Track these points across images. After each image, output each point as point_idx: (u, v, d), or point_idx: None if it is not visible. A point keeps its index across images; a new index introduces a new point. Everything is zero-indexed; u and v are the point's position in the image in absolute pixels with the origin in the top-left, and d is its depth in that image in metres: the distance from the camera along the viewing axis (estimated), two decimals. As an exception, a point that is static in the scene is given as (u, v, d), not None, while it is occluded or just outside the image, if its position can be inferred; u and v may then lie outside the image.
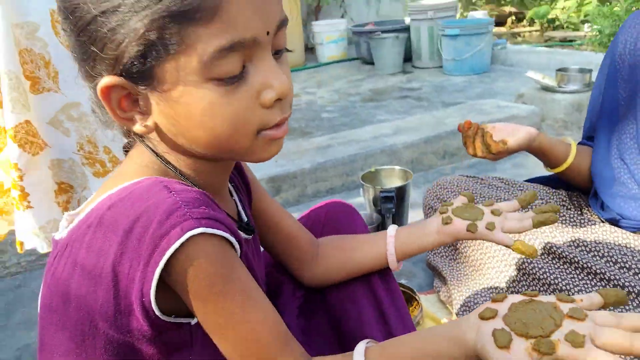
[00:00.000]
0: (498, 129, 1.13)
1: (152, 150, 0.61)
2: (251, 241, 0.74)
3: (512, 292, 1.16)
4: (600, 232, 1.12)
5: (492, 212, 0.79)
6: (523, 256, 1.08)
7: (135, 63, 0.52)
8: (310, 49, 5.24)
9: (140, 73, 0.52)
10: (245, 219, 0.75)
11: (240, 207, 0.75)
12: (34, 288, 1.67)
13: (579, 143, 1.24)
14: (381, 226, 1.58)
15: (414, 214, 1.80)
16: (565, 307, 0.50)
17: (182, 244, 0.50)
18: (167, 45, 0.51)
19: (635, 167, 1.09)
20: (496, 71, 3.85)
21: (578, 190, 1.26)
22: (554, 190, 1.28)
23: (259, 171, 1.95)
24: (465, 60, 3.72)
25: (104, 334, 0.55)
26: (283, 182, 2.01)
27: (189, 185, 0.57)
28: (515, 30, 5.32)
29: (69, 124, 1.07)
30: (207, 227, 0.51)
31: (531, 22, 5.44)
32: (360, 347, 0.63)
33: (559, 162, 1.17)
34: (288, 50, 0.61)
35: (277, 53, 0.58)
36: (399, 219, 1.63)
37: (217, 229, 0.53)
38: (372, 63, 4.32)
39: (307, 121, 2.96)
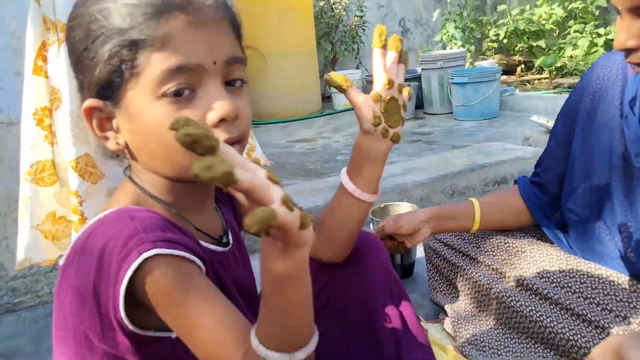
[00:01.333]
0: (391, 226, 1.26)
1: (129, 177, 0.71)
2: (230, 252, 0.79)
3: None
4: (584, 267, 1.15)
5: None
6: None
7: (106, 86, 0.64)
8: (326, 98, 5.45)
9: (110, 94, 0.64)
10: (225, 232, 0.80)
11: (223, 221, 0.82)
12: (64, 315, 1.77)
13: (520, 180, 1.32)
14: (391, 259, 1.67)
15: (422, 248, 1.88)
16: None
17: (140, 264, 0.56)
18: (127, 68, 0.62)
19: (616, 230, 1.10)
20: (505, 116, 3.97)
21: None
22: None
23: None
24: (474, 106, 3.86)
25: (99, 347, 0.62)
26: (298, 218, 2.12)
27: (154, 212, 0.63)
28: (524, 78, 5.48)
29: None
30: (161, 248, 0.57)
31: (540, 71, 5.60)
32: None
33: (469, 225, 1.29)
34: (243, 82, 0.69)
35: (231, 84, 0.67)
36: (407, 252, 1.72)
37: (172, 249, 0.58)
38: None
39: (322, 163, 3.10)
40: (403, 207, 1.84)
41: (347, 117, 4.66)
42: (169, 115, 0.62)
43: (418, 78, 4.47)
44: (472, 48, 5.72)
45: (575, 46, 5.02)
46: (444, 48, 5.66)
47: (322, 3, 5.42)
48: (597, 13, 5.27)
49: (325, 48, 5.50)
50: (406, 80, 4.37)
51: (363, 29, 5.62)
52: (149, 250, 0.57)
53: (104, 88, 0.65)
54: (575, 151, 1.17)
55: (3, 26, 1.17)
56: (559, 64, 5.23)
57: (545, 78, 5.29)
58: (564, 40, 5.30)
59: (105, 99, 0.65)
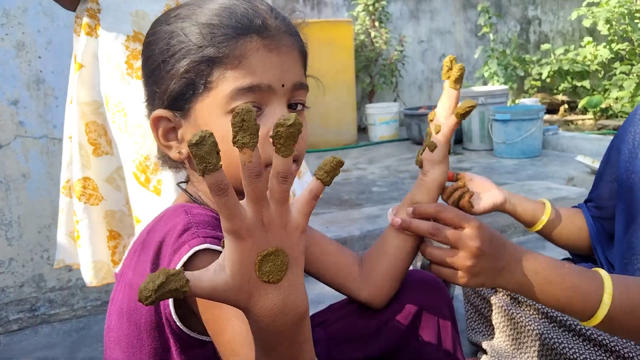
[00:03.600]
0: (475, 182, 1.17)
1: (184, 190, 0.75)
2: None
3: None
4: None
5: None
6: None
7: (178, 97, 0.67)
8: (362, 129, 5.46)
9: (180, 106, 0.68)
10: None
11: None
12: (97, 330, 1.78)
13: (580, 205, 1.24)
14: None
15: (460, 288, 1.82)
16: None
17: (190, 258, 0.59)
18: (202, 83, 0.66)
19: None
20: (548, 156, 3.89)
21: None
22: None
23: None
24: (515, 144, 3.79)
25: (148, 346, 0.65)
26: (333, 246, 2.10)
27: (208, 209, 0.68)
28: (568, 118, 5.37)
29: (120, 181, 1.28)
30: (210, 244, 0.60)
31: (584, 111, 5.49)
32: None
33: (533, 222, 1.18)
34: (304, 107, 0.74)
35: (292, 106, 0.71)
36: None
37: (220, 245, 0.60)
38: (422, 144, 4.43)
39: (357, 194, 3.08)
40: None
41: (383, 149, 4.65)
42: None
43: (458, 113, 4.42)
44: (514, 86, 5.67)
45: (621, 88, 4.91)
46: (485, 84, 5.63)
47: (362, 37, 5.49)
48: (644, 55, 5.16)
49: (364, 80, 5.54)
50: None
51: (403, 63, 5.66)
52: (200, 244, 0.59)
53: (175, 99, 0.68)
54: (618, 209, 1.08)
55: (70, 50, 1.26)
56: (603, 106, 5.12)
57: (589, 119, 5.18)
58: (609, 82, 5.20)
59: (175, 110, 0.69)
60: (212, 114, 0.66)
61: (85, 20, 1.17)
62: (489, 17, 5.68)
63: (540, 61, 5.81)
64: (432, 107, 4.96)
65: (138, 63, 1.16)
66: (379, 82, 5.56)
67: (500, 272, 0.82)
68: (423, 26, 6.04)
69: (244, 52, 0.65)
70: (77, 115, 1.21)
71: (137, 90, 1.13)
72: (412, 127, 4.66)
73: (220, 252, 0.59)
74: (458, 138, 4.37)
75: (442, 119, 0.92)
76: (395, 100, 5.70)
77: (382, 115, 4.97)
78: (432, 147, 0.93)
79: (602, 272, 0.81)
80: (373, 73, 5.59)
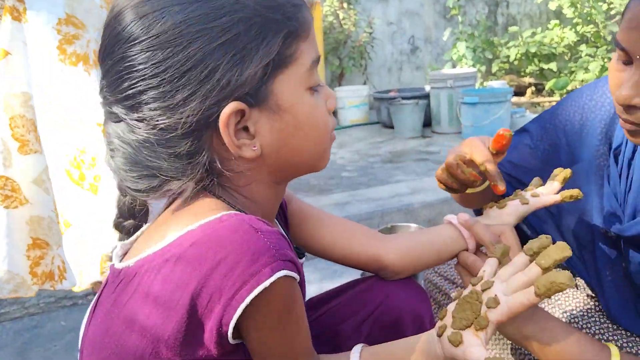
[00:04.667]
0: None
1: (218, 197, 0.64)
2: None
3: None
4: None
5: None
6: None
7: (257, 84, 0.59)
8: (332, 113, 5.38)
9: (259, 94, 0.59)
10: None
11: (283, 232, 0.80)
12: (50, 329, 1.69)
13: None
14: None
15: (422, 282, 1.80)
16: (478, 287, 0.66)
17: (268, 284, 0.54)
18: (284, 60, 0.60)
19: None
20: (515, 138, 3.89)
21: None
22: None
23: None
24: (484, 126, 3.79)
25: None
26: (300, 235, 2.05)
27: (271, 225, 0.60)
28: (535, 100, 5.42)
29: (50, 184, 1.16)
30: (289, 270, 0.56)
31: (550, 93, 5.54)
32: (357, 348, 0.70)
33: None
34: None
35: None
36: (414, 275, 1.63)
37: (295, 271, 0.58)
38: (392, 127, 4.43)
39: (327, 179, 3.03)
40: (411, 229, 1.76)
41: (353, 133, 4.60)
42: (316, 106, 0.64)
43: (426, 96, 4.41)
44: (483, 68, 5.68)
45: (586, 70, 4.96)
46: (454, 67, 5.62)
47: (331, 18, 5.39)
48: (608, 38, 5.22)
49: (333, 63, 5.46)
50: (414, 97, 4.32)
51: (372, 46, 5.59)
52: (282, 270, 0.55)
53: (253, 87, 0.59)
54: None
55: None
56: (570, 88, 5.18)
57: (555, 101, 5.23)
58: (575, 64, 5.25)
59: (248, 101, 0.60)
60: (296, 92, 0.62)
61: (11, 2, 1.07)
62: (458, -1, 5.65)
63: (508, 44, 5.82)
64: (402, 90, 4.93)
65: (71, 48, 1.06)
66: (348, 64, 5.49)
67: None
68: (392, 7, 5.97)
69: (307, 21, 0.63)
70: (1, 107, 1.10)
71: (71, 77, 1.03)
72: (382, 111, 4.62)
73: (295, 278, 0.58)
74: (427, 121, 4.35)
75: (543, 191, 0.91)
76: (364, 83, 5.65)
77: (352, 99, 4.91)
78: (523, 202, 0.90)
79: (613, 349, 0.80)
80: (342, 55, 5.51)
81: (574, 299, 1.14)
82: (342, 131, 4.72)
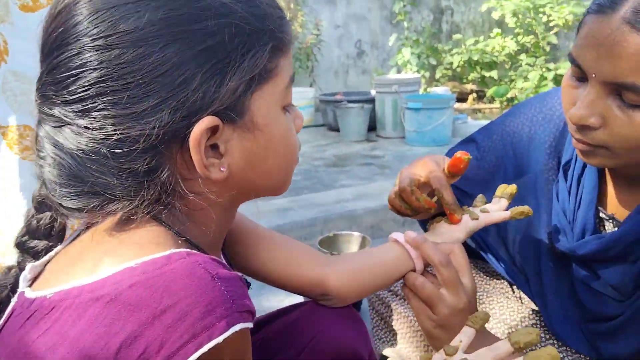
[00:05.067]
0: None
1: (159, 220, 0.54)
2: None
3: None
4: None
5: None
6: None
7: (236, 99, 0.52)
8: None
9: (235, 109, 0.53)
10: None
11: (224, 262, 0.72)
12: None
13: None
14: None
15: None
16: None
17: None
18: (265, 75, 0.54)
19: None
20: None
21: None
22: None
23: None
24: (426, 132, 3.82)
25: None
26: (238, 243, 1.94)
27: (230, 270, 0.52)
28: (476, 106, 5.54)
29: None
30: (246, 322, 0.49)
31: (491, 100, 5.69)
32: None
33: None
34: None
35: None
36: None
37: (251, 321, 0.50)
38: (337, 130, 4.40)
39: (269, 183, 2.93)
40: (354, 238, 1.70)
41: (299, 135, 4.50)
42: (289, 127, 0.60)
43: (372, 100, 4.40)
44: (427, 74, 5.75)
45: (525, 79, 5.12)
46: (399, 72, 5.66)
47: (278, 18, 5.31)
48: (547, 49, 5.42)
49: (280, 64, 5.36)
50: (359, 101, 4.30)
51: (319, 48, 5.54)
52: (238, 323, 0.48)
53: (229, 100, 0.52)
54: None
55: None
56: (510, 95, 5.33)
57: (496, 108, 5.38)
58: (515, 73, 5.41)
59: (224, 116, 0.53)
60: (272, 110, 0.57)
61: None
62: (404, 5, 5.70)
63: (452, 51, 5.94)
64: (348, 94, 4.91)
65: None
66: (294, 66, 5.40)
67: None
68: (339, 11, 5.95)
69: (290, 36, 0.59)
70: None
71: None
72: (328, 113, 4.57)
73: (250, 328, 0.51)
74: (371, 125, 4.34)
75: (492, 207, 0.88)
76: (311, 86, 5.59)
77: (298, 101, 4.84)
78: (473, 218, 0.86)
79: None
80: (288, 56, 5.43)
81: (518, 313, 1.10)
82: (287, 133, 4.63)
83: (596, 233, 0.88)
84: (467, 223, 0.84)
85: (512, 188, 0.89)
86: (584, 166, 0.89)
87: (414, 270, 0.79)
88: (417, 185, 0.86)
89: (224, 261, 0.71)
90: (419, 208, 0.84)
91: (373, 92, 4.48)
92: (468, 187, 1.10)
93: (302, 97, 4.86)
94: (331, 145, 4.04)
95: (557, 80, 4.83)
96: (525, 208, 0.85)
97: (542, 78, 4.93)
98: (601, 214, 0.88)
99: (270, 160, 0.58)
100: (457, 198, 1.10)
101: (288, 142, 0.60)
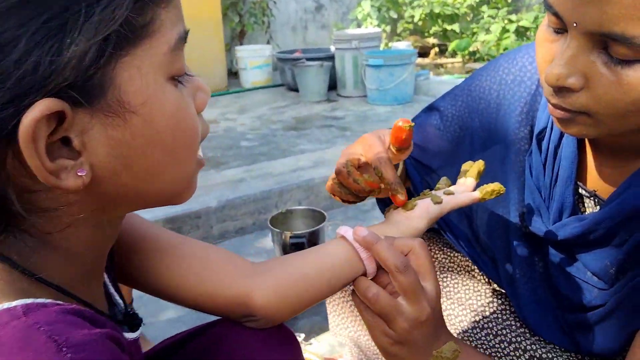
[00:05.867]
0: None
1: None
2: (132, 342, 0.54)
3: None
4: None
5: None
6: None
7: (88, 70, 0.36)
8: (233, 74, 5.07)
9: (89, 86, 0.37)
10: (121, 303, 0.55)
11: (111, 287, 0.56)
12: None
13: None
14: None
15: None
16: None
17: None
18: (133, 33, 0.38)
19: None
20: (419, 102, 3.84)
21: None
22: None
23: (151, 212, 1.71)
24: (388, 90, 3.68)
25: None
26: (184, 223, 1.78)
27: (90, 319, 0.39)
28: (438, 61, 5.43)
29: None
30: None
31: (453, 54, 5.58)
32: None
33: None
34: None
35: None
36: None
37: None
38: (297, 90, 4.21)
39: (224, 150, 2.76)
40: (310, 214, 1.57)
41: (255, 96, 4.33)
42: (183, 101, 0.44)
43: (331, 58, 4.21)
44: (388, 28, 5.57)
45: (487, 31, 5.01)
46: (359, 27, 5.46)
47: (230, -30, 4.98)
48: (509, 0, 5.30)
49: (232, 19, 5.08)
50: (319, 59, 4.11)
51: (274, 2, 5.26)
52: None
53: (76, 73, 0.36)
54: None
55: None
56: (472, 49, 5.23)
57: (458, 62, 5.28)
58: (477, 25, 5.29)
59: (71, 98, 0.36)
60: (152, 82, 0.40)
61: None
62: (363, -46, 5.45)
63: (413, 3, 5.74)
64: (307, 51, 4.69)
65: None
66: (249, 21, 5.14)
67: (424, 354, 0.65)
68: (295, -39, 5.65)
69: None
70: None
71: None
72: (286, 72, 4.37)
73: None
74: (332, 84, 4.17)
75: (457, 190, 0.75)
76: (268, 43, 5.34)
77: (254, 59, 4.61)
78: (436, 201, 0.73)
79: None
80: (242, 11, 5.14)
81: (485, 297, 1.01)
82: (244, 94, 4.43)
83: (575, 213, 0.77)
84: (429, 208, 0.71)
85: (479, 164, 0.77)
86: (561, 135, 0.77)
87: (365, 274, 0.65)
88: (357, 166, 0.72)
89: (109, 282, 0.55)
90: (360, 191, 0.71)
91: (333, 49, 4.28)
92: (431, 160, 0.98)
93: (258, 55, 4.63)
94: (290, 107, 3.87)
95: (519, 32, 4.74)
96: (497, 186, 0.73)
97: (504, 30, 4.83)
98: (580, 191, 0.78)
99: (154, 154, 0.42)
100: (420, 174, 0.98)
101: (181, 126, 0.44)
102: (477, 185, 0.77)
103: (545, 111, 0.80)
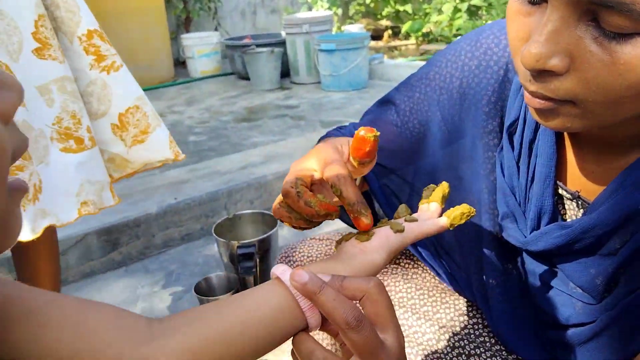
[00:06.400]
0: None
1: None
2: None
3: None
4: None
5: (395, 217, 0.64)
6: None
7: None
8: (181, 64, 4.83)
9: None
10: None
11: None
12: None
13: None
14: (242, 290, 1.26)
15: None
16: None
17: None
18: None
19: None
20: (374, 87, 3.73)
21: None
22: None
23: (81, 224, 1.53)
24: (342, 75, 3.56)
25: None
26: (121, 233, 1.61)
27: None
28: (392, 44, 5.33)
29: (58, 95, 1.04)
30: None
31: (407, 36, 5.50)
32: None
33: None
34: None
35: None
36: (263, 280, 1.31)
37: None
38: (247, 78, 4.04)
39: (169, 147, 2.56)
40: (260, 218, 1.43)
41: (204, 86, 4.13)
42: None
43: (283, 43, 4.04)
44: (339, 11, 5.43)
45: (440, 12, 4.93)
46: (310, 10, 5.30)
47: (172, -46, 4.72)
48: (460, -22, 5.23)
49: (177, 6, 4.83)
50: (269, 45, 3.93)
51: (221, -14, 5.04)
52: None
53: None
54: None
55: None
56: (425, 30, 5.15)
57: (412, 44, 5.20)
58: (429, 5, 5.21)
59: None
60: None
61: None
62: None
63: (364, -16, 5.61)
64: (257, 37, 4.50)
65: None
66: (194, 8, 4.91)
67: None
68: (241, -57, 5.41)
69: None
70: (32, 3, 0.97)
71: None
72: (236, 60, 4.18)
73: None
74: (285, 71, 4.01)
75: (422, 217, 0.63)
76: (215, 29, 5.12)
77: (201, 47, 4.40)
78: (397, 229, 0.59)
79: None
80: (187, -3, 4.90)
81: (455, 309, 0.90)
82: (192, 85, 4.22)
83: (555, 217, 0.66)
84: (389, 238, 0.57)
85: (443, 187, 0.65)
86: (537, 128, 0.66)
87: (306, 330, 0.51)
88: (309, 184, 0.58)
89: None
90: (313, 216, 0.57)
91: (284, 34, 4.12)
92: (388, 161, 0.86)
93: (206, 42, 4.42)
94: (241, 97, 3.69)
95: (471, 11, 4.68)
96: (465, 208, 0.61)
97: (456, 10, 4.76)
98: (561, 191, 0.67)
99: None
100: (378, 178, 0.86)
101: None
102: (443, 211, 0.66)
103: (517, 100, 0.68)
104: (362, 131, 0.56)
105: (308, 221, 0.59)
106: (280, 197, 0.59)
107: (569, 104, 0.50)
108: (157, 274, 1.60)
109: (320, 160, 0.58)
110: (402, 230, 0.57)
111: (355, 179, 0.76)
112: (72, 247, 1.52)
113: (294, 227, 0.61)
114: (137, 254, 1.66)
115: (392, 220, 0.61)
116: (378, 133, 0.57)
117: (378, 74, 3.93)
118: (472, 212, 0.61)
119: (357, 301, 0.49)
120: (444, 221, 0.60)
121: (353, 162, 0.60)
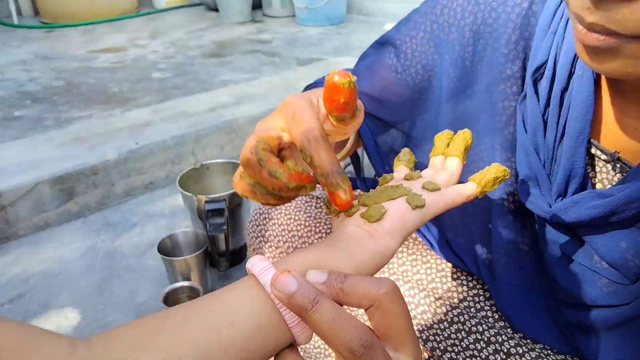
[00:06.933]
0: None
1: None
2: None
3: None
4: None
5: (406, 178, 0.50)
6: None
7: None
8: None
9: None
10: None
11: None
12: None
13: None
14: (211, 249, 1.14)
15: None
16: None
17: None
18: None
19: None
20: (353, 21, 3.53)
21: None
22: None
23: (33, 170, 1.37)
24: (319, 9, 3.33)
25: None
26: (77, 181, 1.45)
27: None
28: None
29: None
30: None
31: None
32: None
33: None
34: None
35: None
36: (235, 237, 1.19)
37: None
38: (217, 10, 3.76)
39: (132, 84, 2.36)
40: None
41: (170, 18, 3.84)
42: None
43: (254, -29, 3.75)
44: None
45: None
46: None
47: None
48: None
49: None
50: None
51: None
52: None
53: None
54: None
55: None
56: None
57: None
58: None
59: None
60: None
61: None
62: None
63: None
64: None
65: None
66: None
67: None
68: None
69: None
70: None
71: None
72: (203, -11, 3.88)
73: None
74: (257, 3, 3.74)
75: (442, 178, 0.50)
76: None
77: (165, -25, 4.07)
78: (415, 205, 0.46)
79: None
80: None
81: (453, 279, 0.80)
82: (157, 16, 3.92)
83: (584, 182, 0.55)
84: (404, 217, 0.43)
85: (465, 136, 0.52)
86: (570, 74, 0.54)
87: (293, 345, 0.37)
88: (276, 149, 0.44)
89: None
90: (281, 189, 0.42)
91: (255, -38, 3.81)
92: (388, 114, 0.73)
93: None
94: (210, 30, 3.44)
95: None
96: (499, 169, 0.49)
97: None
98: (594, 151, 0.56)
99: None
100: (374, 135, 0.73)
101: None
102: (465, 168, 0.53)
103: (545, 40, 0.56)
104: (335, 76, 0.41)
105: (277, 196, 0.44)
106: (240, 168, 0.44)
107: (637, 40, 0.38)
108: (118, 227, 1.46)
109: (289, 118, 0.43)
110: (422, 206, 0.43)
111: (341, 143, 0.63)
112: (22, 198, 1.37)
113: (263, 204, 0.47)
114: (96, 204, 1.51)
115: (405, 185, 0.47)
116: (354, 78, 0.42)
117: (357, 7, 3.71)
118: (507, 175, 0.48)
119: (364, 309, 0.36)
120: (472, 188, 0.47)
121: (330, 118, 0.45)
